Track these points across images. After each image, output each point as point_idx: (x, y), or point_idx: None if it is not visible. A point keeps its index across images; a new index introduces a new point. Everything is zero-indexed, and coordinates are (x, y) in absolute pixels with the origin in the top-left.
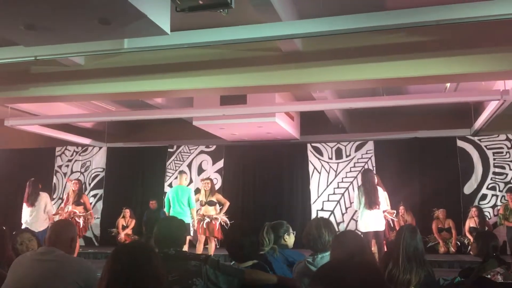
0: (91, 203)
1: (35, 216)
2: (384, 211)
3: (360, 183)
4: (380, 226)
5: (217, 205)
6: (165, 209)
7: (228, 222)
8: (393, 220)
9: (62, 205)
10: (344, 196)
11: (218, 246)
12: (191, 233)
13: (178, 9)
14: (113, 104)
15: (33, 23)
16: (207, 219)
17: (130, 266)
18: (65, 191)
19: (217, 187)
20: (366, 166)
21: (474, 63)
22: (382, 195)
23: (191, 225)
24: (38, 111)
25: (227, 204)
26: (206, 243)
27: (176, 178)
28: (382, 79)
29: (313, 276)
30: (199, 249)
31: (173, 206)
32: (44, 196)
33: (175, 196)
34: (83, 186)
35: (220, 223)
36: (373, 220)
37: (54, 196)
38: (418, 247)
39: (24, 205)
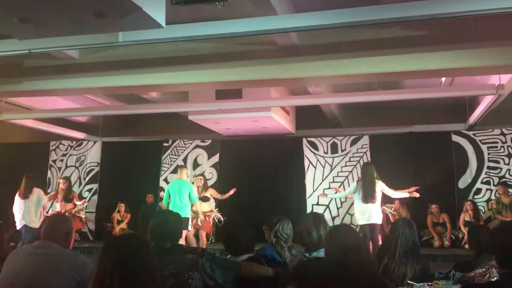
0: (85, 197)
1: (27, 210)
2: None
3: (358, 176)
4: (377, 220)
5: (212, 200)
6: (164, 202)
7: (222, 219)
8: (391, 214)
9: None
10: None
11: (213, 240)
12: (190, 228)
13: (174, 2)
14: (108, 98)
15: (27, 16)
16: (201, 216)
17: (119, 258)
18: (58, 187)
19: (212, 181)
20: (361, 161)
21: (469, 58)
22: (379, 189)
23: (190, 219)
24: (32, 105)
25: (226, 194)
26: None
27: (172, 172)
28: (378, 73)
29: (293, 267)
30: (193, 243)
31: (173, 200)
32: (37, 191)
33: (176, 190)
34: (78, 180)
35: (214, 219)
36: (369, 213)
37: (49, 191)
38: (415, 241)
39: (17, 197)
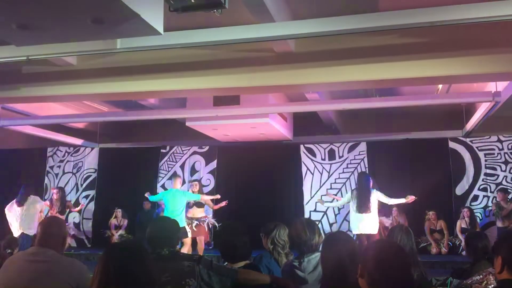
0: (83, 204)
1: (25, 218)
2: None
3: (356, 183)
4: (373, 230)
5: (205, 206)
6: (151, 198)
7: (216, 224)
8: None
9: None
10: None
11: (210, 247)
12: (189, 235)
13: (172, 9)
14: (105, 104)
15: (25, 22)
16: (196, 222)
17: (122, 264)
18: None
19: (210, 188)
20: (358, 167)
21: (466, 65)
22: (375, 198)
23: (187, 226)
24: (30, 111)
25: (216, 206)
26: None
27: (169, 179)
28: (375, 80)
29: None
30: (189, 251)
31: (167, 209)
32: (34, 198)
33: (169, 199)
34: (75, 186)
35: (208, 224)
36: (365, 223)
37: (46, 197)
38: (413, 247)
39: (14, 205)
